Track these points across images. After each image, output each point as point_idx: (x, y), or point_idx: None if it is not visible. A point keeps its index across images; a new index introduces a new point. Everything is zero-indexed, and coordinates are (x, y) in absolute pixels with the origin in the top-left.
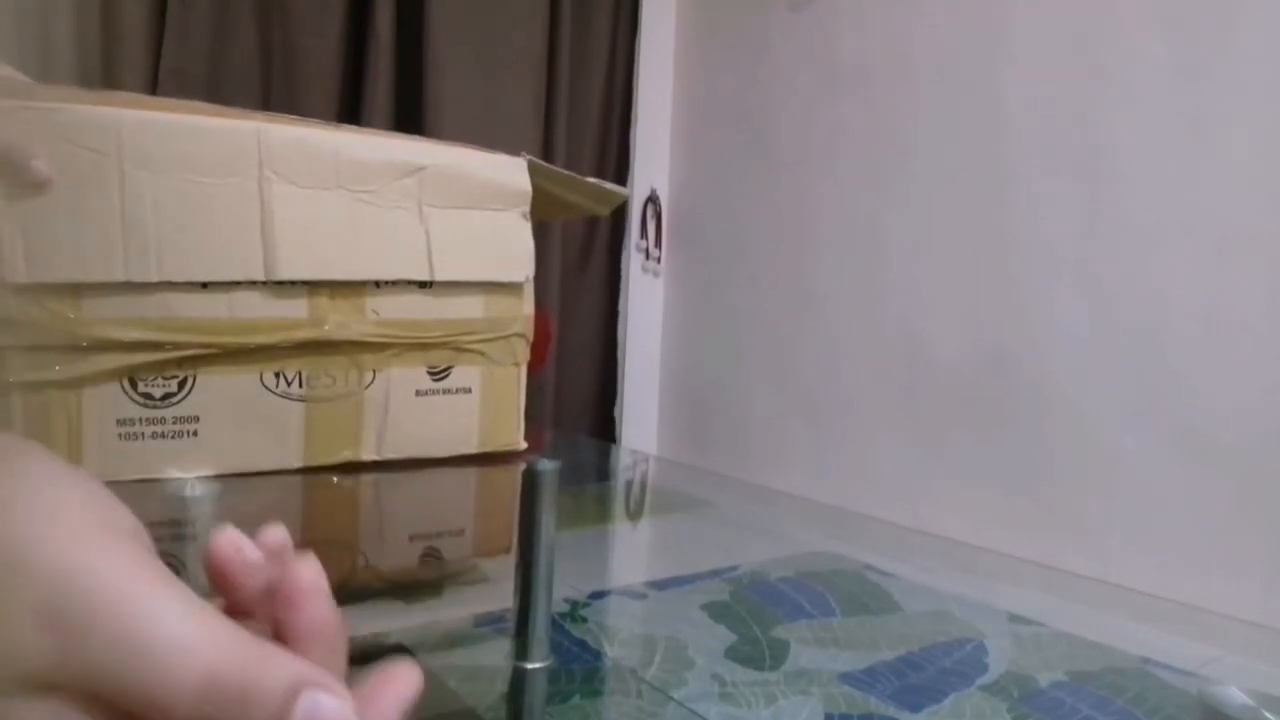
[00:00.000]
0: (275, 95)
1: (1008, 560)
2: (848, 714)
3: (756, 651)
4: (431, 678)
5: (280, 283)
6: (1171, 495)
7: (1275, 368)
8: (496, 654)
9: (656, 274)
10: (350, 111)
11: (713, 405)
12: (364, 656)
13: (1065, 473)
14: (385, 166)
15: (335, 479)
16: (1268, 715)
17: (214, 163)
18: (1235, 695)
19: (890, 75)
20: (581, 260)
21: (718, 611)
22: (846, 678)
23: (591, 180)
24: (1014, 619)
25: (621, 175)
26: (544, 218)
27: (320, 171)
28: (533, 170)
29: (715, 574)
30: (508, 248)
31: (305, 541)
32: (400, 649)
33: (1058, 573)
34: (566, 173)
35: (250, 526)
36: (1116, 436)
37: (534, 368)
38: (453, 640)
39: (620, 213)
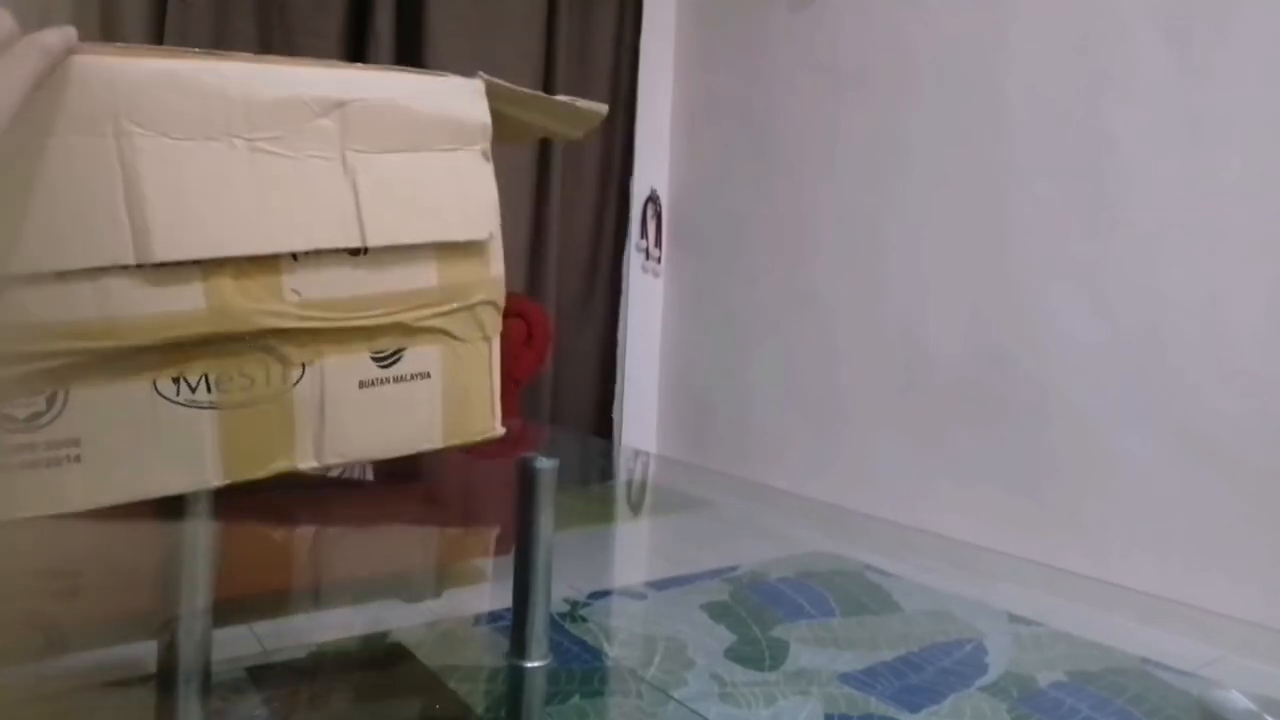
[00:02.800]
0: None
1: (1008, 560)
2: (847, 714)
3: (756, 651)
4: (431, 677)
5: (162, 265)
6: (1171, 495)
7: (1275, 368)
8: (496, 653)
9: (656, 274)
10: None
11: (713, 405)
12: (364, 656)
13: (1065, 472)
14: (292, 105)
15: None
16: (1269, 719)
17: (48, 114)
18: (1237, 699)
19: (890, 75)
20: (583, 261)
21: (718, 611)
22: (846, 678)
23: (561, 99)
24: (1014, 619)
25: (625, 174)
26: (499, 140)
27: (201, 117)
28: (491, 93)
29: (715, 574)
30: (464, 197)
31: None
32: (400, 648)
33: (1058, 572)
34: (531, 92)
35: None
36: (1116, 436)
37: (534, 368)
38: (453, 640)
39: (621, 213)
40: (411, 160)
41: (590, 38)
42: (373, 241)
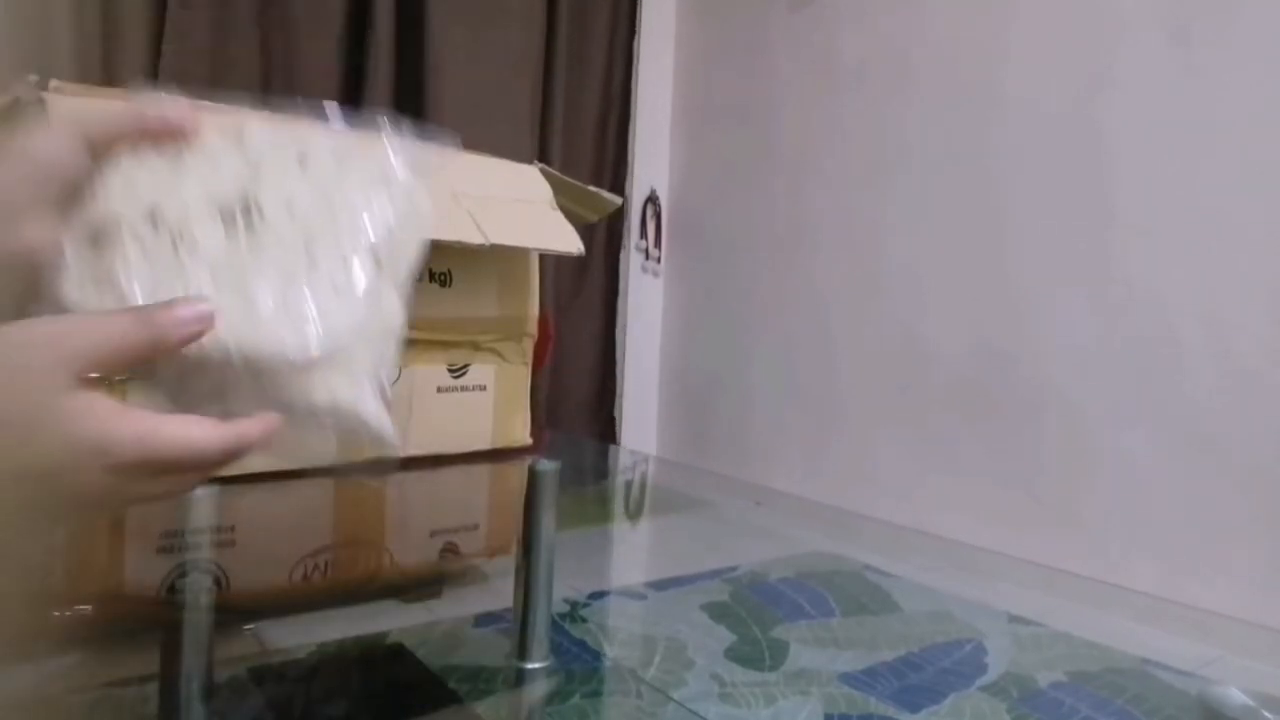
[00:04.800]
0: (275, 95)
1: (1008, 560)
2: (847, 714)
3: (756, 652)
4: (431, 677)
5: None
6: (1171, 495)
7: (1274, 366)
8: (496, 654)
9: (656, 274)
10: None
11: (713, 405)
12: (364, 656)
13: (1064, 472)
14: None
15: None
16: (1268, 715)
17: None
18: (1235, 695)
19: (890, 75)
20: (580, 261)
21: (718, 612)
22: (846, 678)
23: (591, 189)
24: (1014, 619)
25: (619, 175)
26: None
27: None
28: (543, 174)
29: (715, 574)
30: (552, 227)
31: (334, 541)
32: (400, 648)
33: (1058, 573)
34: (564, 178)
35: (276, 530)
36: (1115, 435)
37: (534, 367)
38: (453, 640)
39: (620, 213)
40: (500, 203)
41: (586, 39)
42: (494, 239)
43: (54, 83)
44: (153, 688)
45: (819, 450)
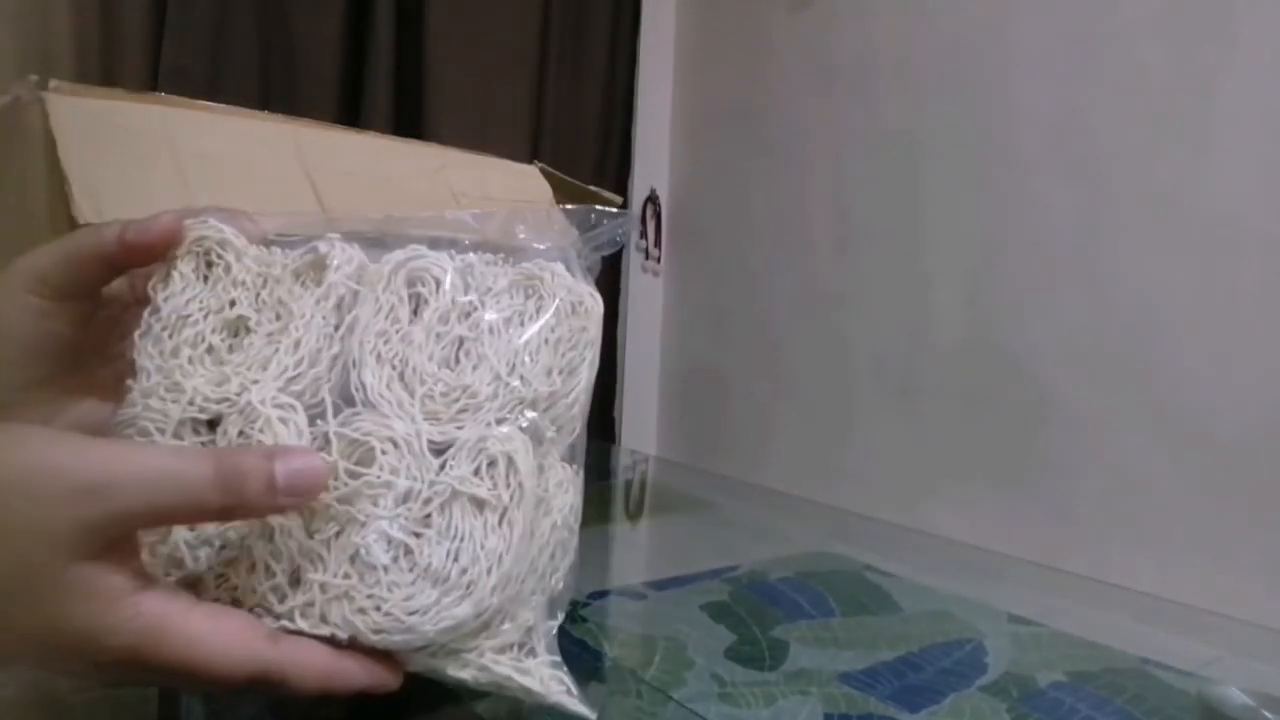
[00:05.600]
0: (275, 95)
1: (1008, 560)
2: (847, 714)
3: (756, 651)
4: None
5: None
6: (1172, 495)
7: (1275, 366)
8: None
9: (656, 274)
10: (350, 111)
11: (713, 405)
12: None
13: (1065, 472)
14: (415, 166)
15: None
16: (1267, 715)
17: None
18: (1235, 695)
19: (890, 75)
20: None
21: (717, 611)
22: (846, 678)
23: (591, 188)
24: (1013, 619)
25: (622, 175)
26: None
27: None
28: (543, 174)
29: (715, 574)
30: (549, 227)
31: None
32: None
33: (1057, 573)
34: (563, 176)
35: None
36: (1115, 435)
37: None
38: None
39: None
40: (499, 204)
41: (587, 39)
42: (491, 237)
43: (54, 82)
44: (153, 688)
45: (818, 450)
